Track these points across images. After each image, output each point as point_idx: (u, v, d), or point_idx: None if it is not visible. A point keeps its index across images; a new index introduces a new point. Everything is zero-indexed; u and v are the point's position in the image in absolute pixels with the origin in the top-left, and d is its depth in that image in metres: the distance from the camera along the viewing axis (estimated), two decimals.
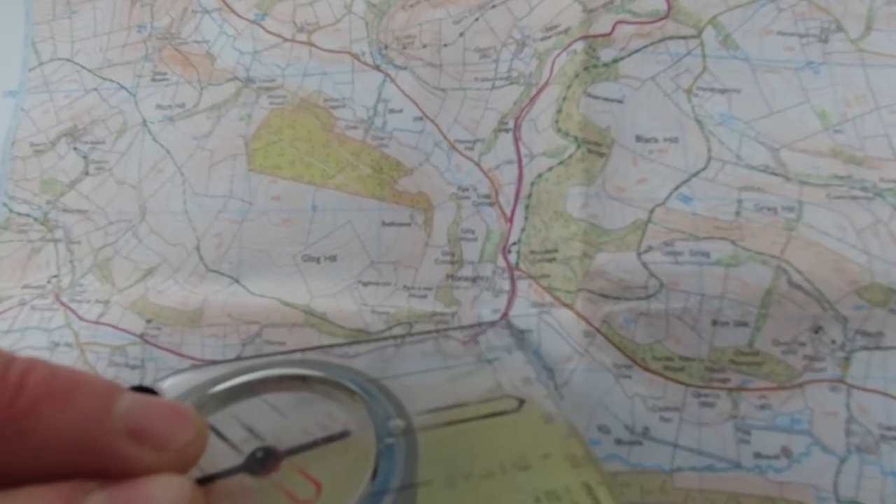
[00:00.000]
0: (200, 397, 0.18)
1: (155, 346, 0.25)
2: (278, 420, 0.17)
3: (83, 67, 0.31)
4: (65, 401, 0.12)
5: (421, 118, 0.27)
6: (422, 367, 0.20)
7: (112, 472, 0.12)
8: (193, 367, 0.20)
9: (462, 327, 0.24)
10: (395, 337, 0.23)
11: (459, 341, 0.22)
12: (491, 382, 0.20)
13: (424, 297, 0.25)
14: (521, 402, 0.18)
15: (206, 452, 0.14)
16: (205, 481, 0.14)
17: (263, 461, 0.15)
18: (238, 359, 0.22)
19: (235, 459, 0.15)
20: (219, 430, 0.16)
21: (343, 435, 0.16)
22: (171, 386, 0.18)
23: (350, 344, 0.22)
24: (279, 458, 0.16)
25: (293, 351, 0.23)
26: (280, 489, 0.15)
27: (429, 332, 0.23)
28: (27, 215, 0.30)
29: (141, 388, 0.14)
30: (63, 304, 0.27)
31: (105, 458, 0.12)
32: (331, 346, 0.22)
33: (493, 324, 0.24)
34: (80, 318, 0.26)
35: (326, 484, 0.15)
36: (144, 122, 0.30)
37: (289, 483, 0.15)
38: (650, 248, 0.22)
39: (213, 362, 0.20)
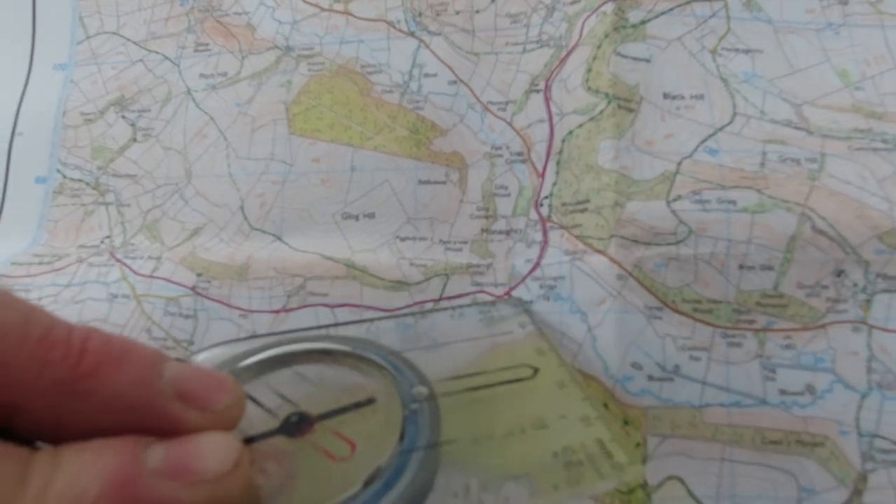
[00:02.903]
0: (233, 369, 0.19)
1: (206, 297, 0.27)
2: (309, 388, 0.18)
3: (129, 40, 0.33)
4: (120, 364, 0.13)
5: (455, 82, 0.28)
6: (442, 340, 0.21)
7: (163, 431, 0.13)
8: (223, 342, 0.21)
9: (473, 303, 0.25)
10: (413, 314, 0.24)
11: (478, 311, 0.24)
12: (506, 353, 0.21)
13: (460, 250, 0.26)
14: (536, 370, 0.19)
15: (244, 417, 0.15)
16: (246, 443, 0.15)
17: (298, 424, 0.16)
18: (265, 335, 0.23)
19: (272, 423, 0.16)
20: (254, 397, 0.17)
21: (370, 401, 0.17)
22: (204, 360, 0.20)
23: (372, 321, 0.23)
24: (312, 421, 0.17)
25: (318, 327, 0.24)
26: (317, 449, 0.16)
27: (444, 308, 0.24)
28: (79, 180, 0.31)
29: (177, 360, 0.15)
30: (118, 259, 0.28)
31: (156, 417, 0.13)
32: (353, 322, 0.23)
33: (501, 298, 0.25)
34: (135, 273, 0.28)
35: (359, 444, 0.16)
36: (188, 91, 0.31)
37: (324, 443, 0.16)
38: (679, 197, 0.23)
39: (241, 339, 0.21)
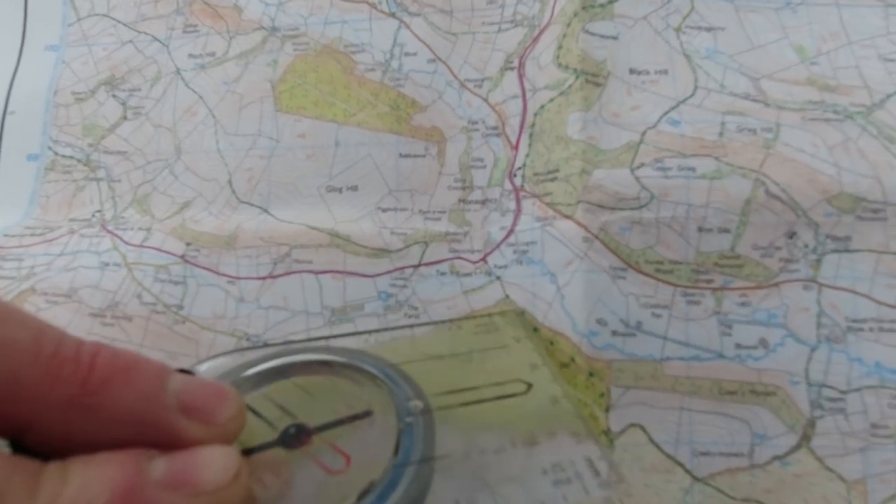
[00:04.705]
0: (235, 380, 0.19)
1: (195, 265, 0.28)
2: (307, 400, 0.19)
3: (119, 22, 0.33)
4: (127, 379, 0.14)
5: (434, 60, 0.30)
6: (438, 353, 0.22)
7: (166, 444, 0.14)
8: (226, 353, 0.21)
9: (470, 317, 0.25)
10: (411, 326, 0.25)
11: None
12: (501, 368, 0.21)
13: (439, 219, 0.28)
14: (529, 385, 0.20)
15: (245, 428, 0.15)
16: (245, 454, 0.16)
17: (296, 436, 0.17)
18: (266, 345, 0.24)
19: (270, 435, 0.17)
20: (254, 408, 0.18)
21: (367, 414, 0.18)
22: (207, 370, 0.20)
23: (370, 332, 0.23)
24: (310, 433, 0.17)
25: (318, 339, 0.25)
26: (313, 460, 0.16)
27: (442, 321, 0.25)
28: (71, 157, 0.32)
29: (182, 371, 0.15)
30: (109, 231, 0.29)
31: (161, 430, 0.14)
32: (352, 333, 0.24)
33: (501, 313, 0.25)
34: (126, 243, 0.29)
35: (354, 457, 0.17)
36: (178, 71, 0.32)
37: (320, 455, 0.16)
38: (642, 165, 0.25)
39: (243, 349, 0.22)
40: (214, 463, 0.14)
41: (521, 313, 0.25)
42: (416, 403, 0.18)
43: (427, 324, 0.25)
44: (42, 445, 0.13)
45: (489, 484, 0.17)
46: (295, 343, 0.23)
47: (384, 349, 0.21)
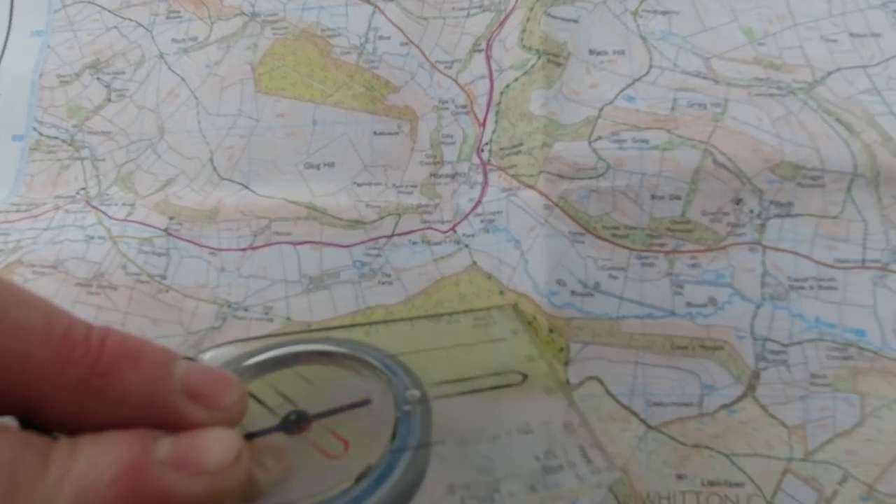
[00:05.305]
0: (238, 368, 0.20)
1: (178, 238, 0.29)
2: (308, 388, 0.19)
3: (104, 8, 0.35)
4: (135, 362, 0.14)
5: (406, 43, 0.31)
6: (436, 345, 0.22)
7: (171, 426, 0.14)
8: (230, 342, 0.22)
9: (468, 310, 0.26)
10: (411, 318, 0.25)
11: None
12: (497, 359, 0.22)
13: (411, 192, 0.29)
14: (525, 376, 0.20)
15: (247, 414, 0.16)
16: (247, 438, 0.16)
17: (297, 422, 0.17)
18: (269, 336, 0.24)
19: (272, 421, 0.17)
20: (256, 395, 0.18)
21: (365, 402, 0.18)
22: (210, 359, 0.21)
23: (370, 324, 0.24)
24: (310, 420, 0.17)
25: (320, 329, 0.26)
26: (312, 446, 0.17)
27: (440, 314, 0.25)
28: (55, 137, 0.33)
29: (186, 359, 0.16)
30: (93, 207, 0.30)
31: (166, 413, 0.14)
32: (353, 325, 0.25)
33: (499, 307, 0.26)
34: (110, 217, 0.30)
35: (353, 442, 0.17)
36: (161, 55, 0.33)
37: (320, 441, 0.17)
38: (599, 138, 0.26)
39: (247, 339, 0.22)
40: (217, 445, 0.14)
41: (516, 307, 0.26)
42: (414, 392, 0.19)
43: (426, 317, 0.25)
44: (52, 424, 0.14)
45: (483, 470, 0.17)
46: (297, 334, 0.24)
47: (384, 341, 0.22)
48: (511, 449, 0.18)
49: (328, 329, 0.25)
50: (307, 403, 0.18)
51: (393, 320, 0.25)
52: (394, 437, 0.17)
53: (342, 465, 0.16)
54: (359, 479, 0.16)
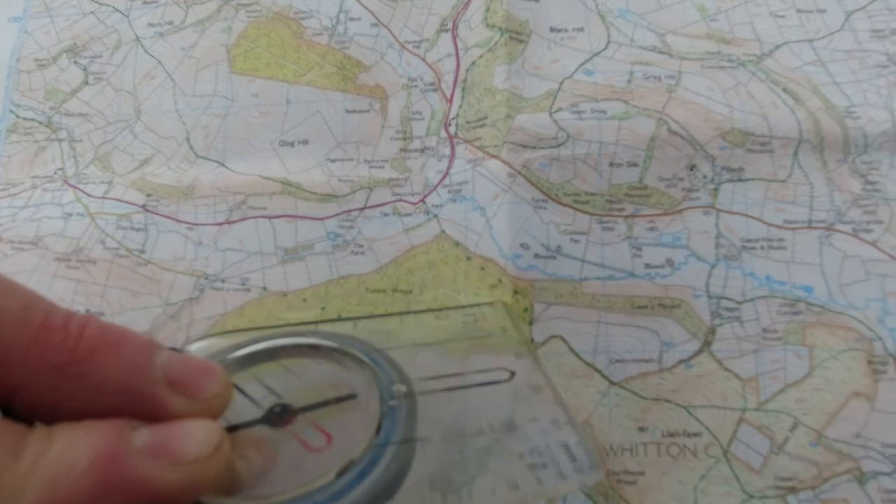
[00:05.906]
0: (223, 360, 0.19)
1: (155, 213, 0.30)
2: (294, 381, 0.19)
3: None
4: (115, 350, 0.14)
5: (376, 24, 0.32)
6: (425, 340, 0.22)
7: (151, 416, 0.14)
8: (217, 334, 0.22)
9: (458, 307, 0.26)
10: (400, 313, 0.25)
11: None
12: (485, 356, 0.22)
13: (382, 167, 0.30)
14: (513, 373, 0.20)
15: (231, 406, 0.16)
16: (230, 430, 0.16)
17: (280, 415, 0.17)
18: (256, 328, 0.24)
19: (256, 413, 0.17)
20: (241, 387, 0.18)
21: (351, 396, 0.18)
22: (196, 350, 0.21)
23: (358, 318, 0.24)
24: (294, 413, 0.17)
25: (307, 323, 0.25)
26: (295, 439, 0.17)
27: (431, 309, 0.26)
28: (32, 119, 0.34)
29: (171, 349, 0.16)
30: (71, 185, 0.31)
31: (146, 403, 0.14)
32: (340, 319, 0.24)
33: (489, 304, 0.26)
34: (88, 195, 0.30)
35: (336, 436, 0.17)
36: (137, 39, 0.34)
37: (303, 434, 0.17)
38: (560, 109, 0.28)
39: (235, 331, 0.22)
40: (195, 435, 0.14)
41: (506, 304, 0.26)
42: (400, 387, 0.18)
43: (415, 312, 0.25)
44: (29, 412, 0.14)
45: (466, 466, 0.17)
46: (284, 327, 0.24)
47: (371, 335, 0.22)
48: (496, 446, 0.18)
49: (316, 322, 0.25)
50: (292, 396, 0.18)
51: (381, 315, 0.26)
52: (378, 431, 0.17)
53: (324, 458, 0.16)
54: (341, 473, 0.16)
